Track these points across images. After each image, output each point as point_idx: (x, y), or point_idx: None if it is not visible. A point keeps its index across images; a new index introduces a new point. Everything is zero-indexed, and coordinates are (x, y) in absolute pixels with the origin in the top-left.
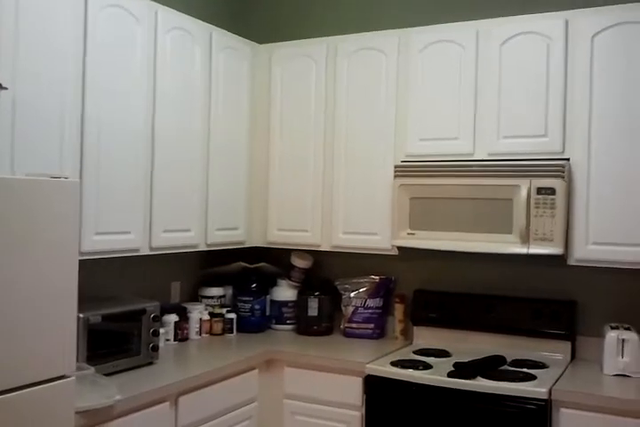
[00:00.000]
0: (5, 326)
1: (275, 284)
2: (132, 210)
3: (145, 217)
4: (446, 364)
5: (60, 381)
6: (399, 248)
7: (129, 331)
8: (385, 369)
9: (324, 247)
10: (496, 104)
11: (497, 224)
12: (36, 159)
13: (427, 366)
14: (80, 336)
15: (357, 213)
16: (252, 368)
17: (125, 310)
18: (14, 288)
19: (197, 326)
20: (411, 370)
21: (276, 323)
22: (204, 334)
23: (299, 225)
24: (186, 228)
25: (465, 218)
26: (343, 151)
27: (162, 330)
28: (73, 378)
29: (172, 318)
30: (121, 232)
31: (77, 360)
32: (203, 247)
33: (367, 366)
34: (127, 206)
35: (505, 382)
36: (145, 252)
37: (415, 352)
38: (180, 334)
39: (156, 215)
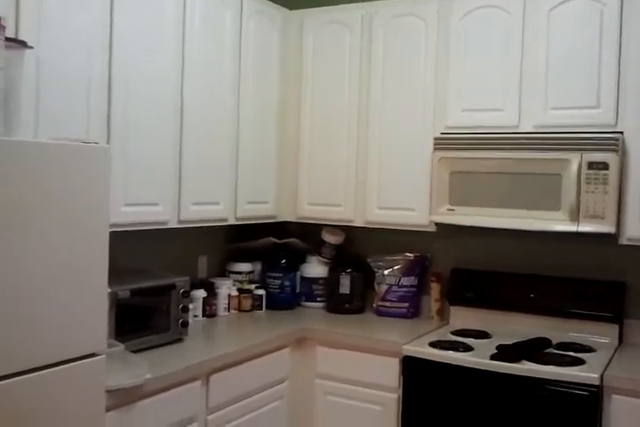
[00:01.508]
0: (34, 301)
1: (305, 260)
2: (161, 181)
3: (174, 189)
4: (488, 346)
5: (91, 359)
6: (437, 225)
7: (158, 306)
8: (423, 350)
9: (357, 223)
10: (543, 73)
11: (544, 200)
12: (61, 125)
13: (467, 348)
14: (109, 311)
15: (393, 188)
16: (284, 346)
17: (154, 284)
18: (43, 260)
19: (226, 302)
20: (451, 352)
21: (306, 300)
22: (232, 311)
23: (331, 200)
24: (215, 201)
25: (508, 194)
26: (378, 123)
27: (190, 306)
28: (103, 356)
29: (201, 293)
30: (150, 204)
31: (106, 337)
32: (232, 221)
33: (404, 346)
34: (156, 178)
35: (552, 367)
36: (173, 225)
37: (453, 333)
38: (209, 310)
39: (185, 187)
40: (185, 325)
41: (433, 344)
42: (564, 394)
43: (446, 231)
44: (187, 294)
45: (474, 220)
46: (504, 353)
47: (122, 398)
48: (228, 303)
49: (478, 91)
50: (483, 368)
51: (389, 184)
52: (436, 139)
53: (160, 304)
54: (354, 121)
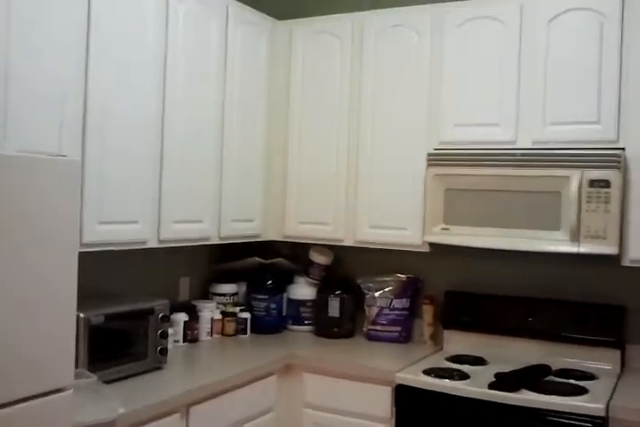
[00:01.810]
0: None
1: (292, 281)
2: (140, 198)
3: (153, 206)
4: (485, 373)
5: (57, 394)
6: (431, 245)
7: (135, 332)
8: (417, 378)
9: (347, 242)
10: (542, 87)
11: (543, 220)
12: (31, 139)
13: (463, 376)
14: (80, 338)
15: (385, 206)
16: (270, 374)
17: (131, 309)
18: (2, 282)
19: (208, 326)
20: (446, 380)
21: (293, 323)
22: (215, 335)
23: (319, 218)
24: (198, 218)
25: (506, 212)
26: (370, 138)
27: (170, 330)
28: (71, 391)
29: (182, 317)
30: (127, 222)
31: (77, 366)
32: (215, 240)
33: (397, 374)
34: (134, 193)
35: (554, 396)
36: (153, 244)
37: (448, 359)
38: (190, 335)
39: (165, 204)
40: (164, 352)
41: (427, 372)
42: (567, 426)
43: (440, 251)
44: (166, 319)
45: (469, 240)
46: (502, 382)
47: None
48: (211, 327)
49: (473, 105)
50: (480, 398)
51: (381, 202)
52: (429, 155)
53: (137, 330)
54: (344, 136)
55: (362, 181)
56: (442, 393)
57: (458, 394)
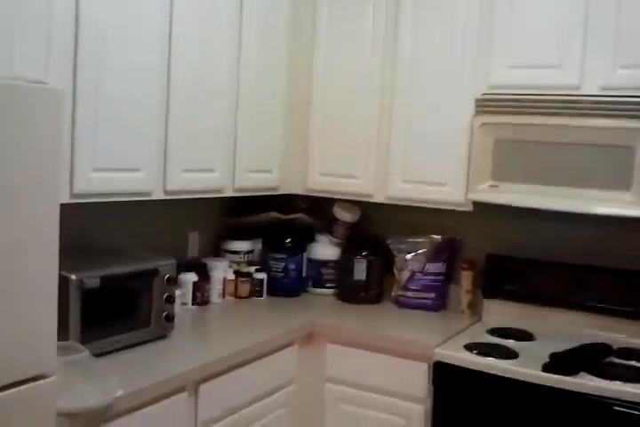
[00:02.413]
0: None
1: (313, 239)
2: (142, 142)
3: (158, 152)
4: (535, 351)
5: (36, 382)
6: (474, 203)
7: (136, 297)
8: (459, 356)
9: (378, 198)
10: (614, 21)
11: (610, 178)
12: (12, 63)
13: (511, 354)
14: (72, 304)
15: (422, 158)
16: (289, 344)
17: (131, 270)
18: None
19: (220, 287)
20: (492, 358)
21: (314, 286)
22: (227, 297)
23: (347, 170)
24: (209, 167)
25: (565, 169)
26: (407, 80)
27: (177, 292)
28: (53, 378)
29: (191, 277)
30: (127, 169)
31: (67, 337)
32: (229, 192)
33: (436, 350)
34: (136, 137)
35: (619, 383)
36: (158, 196)
37: (490, 332)
38: (200, 297)
39: (172, 150)
40: (170, 318)
41: (469, 347)
42: (634, 418)
43: (484, 211)
44: (173, 281)
45: (521, 199)
46: (558, 363)
47: (84, 422)
48: (223, 289)
49: (531, 43)
50: (532, 381)
51: (417, 154)
52: (477, 100)
53: (139, 294)
54: (377, 78)
55: (396, 130)
56: (487, 373)
57: (506, 375)
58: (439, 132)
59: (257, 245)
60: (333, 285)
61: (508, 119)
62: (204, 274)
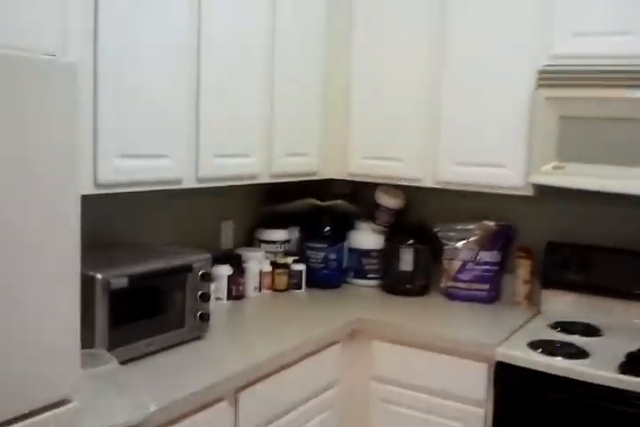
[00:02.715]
0: None
1: (354, 227)
2: (172, 126)
3: (189, 136)
4: (606, 349)
5: (55, 410)
6: (536, 187)
7: (168, 295)
8: (523, 356)
9: (425, 183)
10: None
11: None
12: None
13: (581, 353)
14: (98, 307)
15: (477, 138)
16: (334, 343)
17: (163, 266)
18: None
19: (257, 280)
20: (560, 358)
21: (355, 277)
22: (264, 290)
23: (391, 153)
24: (244, 152)
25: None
26: (458, 50)
27: (212, 287)
28: (76, 404)
29: (225, 270)
30: (155, 155)
31: (94, 343)
32: (265, 179)
33: (498, 349)
34: (164, 120)
35: None
36: (190, 184)
37: (552, 326)
38: (235, 291)
39: (204, 134)
40: (205, 318)
41: (534, 345)
42: None
43: (541, 194)
44: (208, 277)
45: (593, 182)
46: (637, 363)
47: None
48: (260, 282)
49: (599, 7)
50: (607, 384)
51: (471, 133)
52: (540, 72)
53: (171, 292)
54: (424, 48)
55: (446, 108)
56: (555, 375)
57: (577, 378)
58: (495, 110)
59: (294, 235)
60: (376, 275)
61: (575, 93)
62: (238, 266)
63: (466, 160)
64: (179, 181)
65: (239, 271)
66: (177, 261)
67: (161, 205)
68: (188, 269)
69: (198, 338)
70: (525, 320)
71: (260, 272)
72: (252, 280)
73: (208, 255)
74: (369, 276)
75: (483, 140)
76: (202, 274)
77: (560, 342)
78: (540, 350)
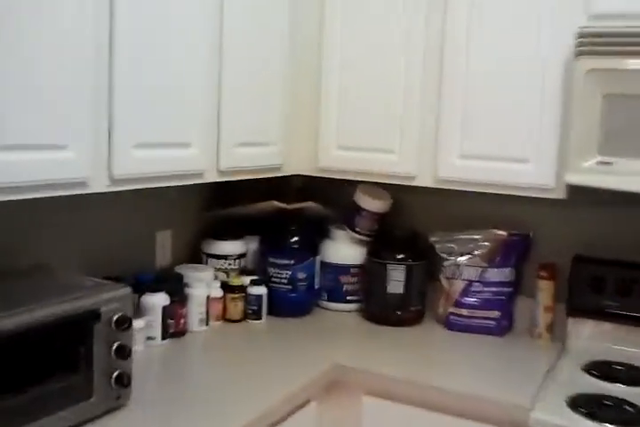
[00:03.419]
0: None
1: (327, 236)
2: (71, 114)
3: (98, 120)
4: None
5: None
6: (571, 188)
7: (65, 355)
8: (565, 424)
9: (423, 181)
10: None
11: None
12: None
13: (634, 417)
14: None
15: (491, 125)
16: (306, 402)
17: (50, 316)
18: None
19: (203, 309)
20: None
21: (330, 299)
22: (213, 322)
23: (376, 142)
24: (183, 141)
25: None
26: (465, 13)
27: (139, 323)
28: None
29: (159, 299)
30: (46, 147)
31: None
32: (212, 176)
33: (533, 415)
34: (64, 101)
35: None
36: (99, 188)
37: (586, 370)
38: (174, 326)
39: (119, 118)
40: (124, 381)
41: (574, 404)
42: None
43: (571, 197)
44: (125, 323)
45: None
46: None
47: None
48: (207, 311)
49: None
50: None
51: (484, 118)
52: (581, 35)
53: (71, 350)
54: (420, 11)
55: (450, 84)
56: None
57: None
58: (517, 87)
59: (251, 245)
60: (356, 298)
61: (624, 64)
62: (178, 292)
63: (475, 153)
64: (83, 184)
65: (180, 299)
66: (75, 306)
67: (70, 213)
68: (92, 316)
69: (115, 409)
70: (551, 361)
71: (208, 298)
72: (196, 310)
73: (126, 290)
74: (347, 298)
75: (498, 128)
76: (117, 319)
77: (603, 396)
78: (585, 411)
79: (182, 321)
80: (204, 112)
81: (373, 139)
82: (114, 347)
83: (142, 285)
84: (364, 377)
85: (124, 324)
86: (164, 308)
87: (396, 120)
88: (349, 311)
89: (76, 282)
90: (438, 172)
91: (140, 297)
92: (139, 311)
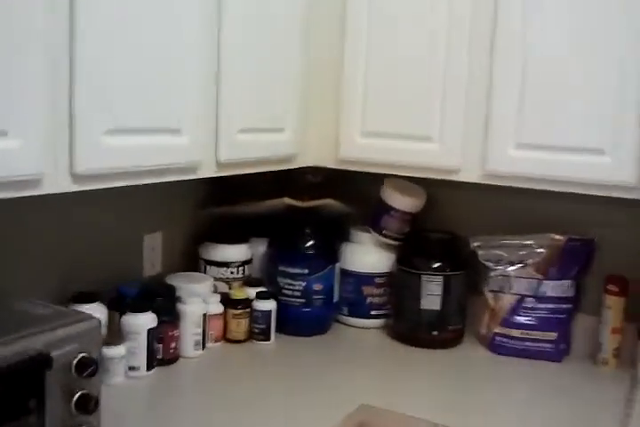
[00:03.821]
0: None
1: (348, 240)
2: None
3: (55, 102)
4: None
5: None
6: None
7: (11, 409)
8: None
9: (468, 175)
10: None
11: None
12: None
13: None
14: None
15: (555, 105)
16: None
17: None
18: None
19: (199, 329)
20: None
21: (351, 314)
22: (211, 344)
23: (412, 127)
24: (171, 126)
25: None
26: None
27: (120, 350)
28: None
29: (144, 319)
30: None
31: None
32: (210, 170)
33: None
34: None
35: None
36: (55, 188)
37: None
38: (163, 352)
39: (80, 94)
40: None
41: None
42: None
43: None
44: (89, 369)
45: None
46: None
47: None
48: (204, 331)
49: None
50: None
51: (545, 97)
52: None
53: (18, 402)
54: None
55: (504, 61)
56: None
57: None
58: (592, 73)
59: (258, 250)
60: (383, 312)
61: None
62: (169, 309)
63: (534, 141)
64: (36, 183)
65: (170, 318)
66: (17, 349)
67: (31, 213)
68: (42, 361)
69: None
70: (624, 393)
71: (205, 316)
72: (191, 331)
73: (92, 322)
74: (372, 313)
75: (566, 109)
76: (78, 363)
77: None
78: None
79: (173, 345)
80: (196, 87)
81: (407, 123)
82: (75, 398)
83: (125, 299)
84: (396, 420)
85: (88, 368)
86: (151, 331)
87: (437, 101)
88: (374, 328)
89: (26, 312)
90: (489, 164)
91: (121, 316)
92: (119, 335)
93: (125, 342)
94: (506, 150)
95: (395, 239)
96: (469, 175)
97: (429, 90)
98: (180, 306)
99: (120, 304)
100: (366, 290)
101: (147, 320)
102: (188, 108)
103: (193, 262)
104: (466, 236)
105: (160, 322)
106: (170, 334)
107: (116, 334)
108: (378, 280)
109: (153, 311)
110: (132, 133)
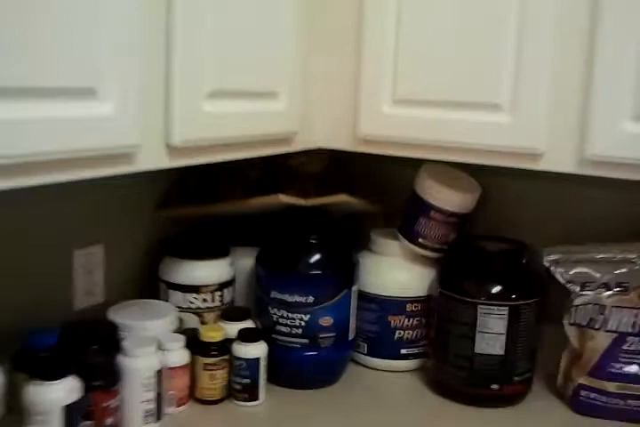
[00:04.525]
0: None
1: (370, 250)
2: None
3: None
4: None
5: None
6: None
7: None
8: None
9: (559, 162)
10: None
11: None
12: None
13: None
14: None
15: None
16: None
17: None
18: None
19: (150, 394)
20: None
21: (372, 353)
22: (172, 409)
23: (468, 91)
24: (86, 85)
25: None
26: None
27: None
28: None
29: (58, 392)
30: None
31: None
32: (155, 160)
33: None
34: None
35: None
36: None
37: None
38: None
39: None
40: None
41: None
42: None
43: None
44: None
45: None
46: None
47: None
48: (158, 395)
49: None
50: None
51: None
52: None
53: None
54: None
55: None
56: None
57: None
58: None
59: (242, 268)
60: (417, 351)
61: None
62: (103, 367)
63: None
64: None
65: (106, 382)
66: None
67: None
68: None
69: None
70: None
71: (160, 373)
72: (138, 397)
73: None
74: (402, 352)
75: None
76: None
77: None
78: None
79: (110, 422)
80: (122, 27)
81: (463, 86)
82: None
83: (36, 354)
84: None
85: None
86: (70, 407)
87: (507, 58)
88: (404, 372)
89: None
90: (587, 147)
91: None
92: (26, 412)
93: (32, 425)
94: (614, 129)
95: (435, 250)
96: (560, 162)
97: (496, 43)
98: (122, 360)
99: (30, 359)
100: (394, 321)
101: (62, 393)
102: (113, 58)
103: (150, 286)
104: (536, 246)
105: (88, 389)
106: (103, 405)
107: (21, 411)
108: (410, 307)
109: (78, 374)
110: None
